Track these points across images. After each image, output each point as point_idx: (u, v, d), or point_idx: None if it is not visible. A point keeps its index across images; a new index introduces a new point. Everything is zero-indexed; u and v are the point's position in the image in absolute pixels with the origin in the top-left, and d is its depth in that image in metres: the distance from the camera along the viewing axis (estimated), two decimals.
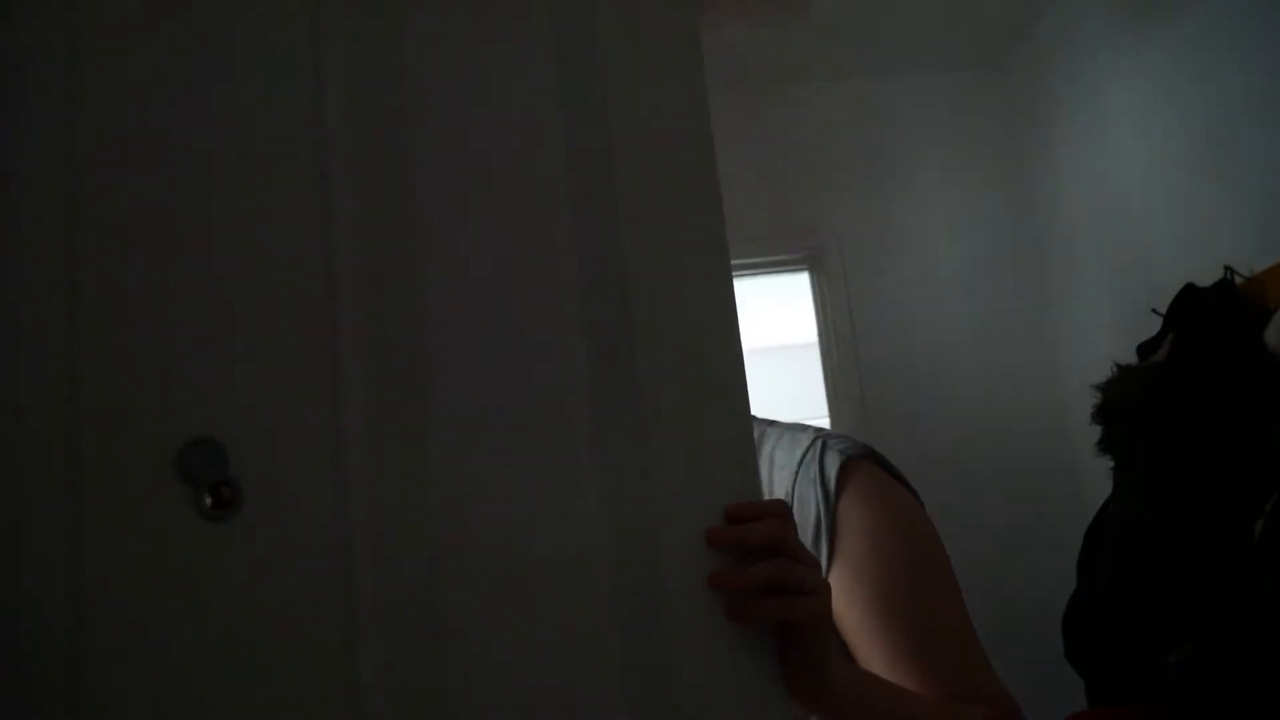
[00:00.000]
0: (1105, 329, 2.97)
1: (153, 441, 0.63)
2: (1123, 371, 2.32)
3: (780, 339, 4.97)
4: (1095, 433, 2.33)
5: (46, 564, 0.62)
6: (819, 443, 0.99)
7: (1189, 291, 2.37)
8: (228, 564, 0.62)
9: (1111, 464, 2.32)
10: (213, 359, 0.65)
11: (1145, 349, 2.46)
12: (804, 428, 1.04)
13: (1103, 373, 2.35)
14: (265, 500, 0.63)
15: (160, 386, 0.64)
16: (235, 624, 0.62)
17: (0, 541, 0.62)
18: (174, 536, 0.62)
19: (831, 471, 0.95)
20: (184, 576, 0.62)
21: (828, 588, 0.72)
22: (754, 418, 0.93)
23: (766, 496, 0.87)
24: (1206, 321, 2.23)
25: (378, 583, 0.64)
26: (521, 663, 0.64)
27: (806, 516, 0.95)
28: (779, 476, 0.99)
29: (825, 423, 3.30)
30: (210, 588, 0.62)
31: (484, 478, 0.66)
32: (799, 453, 0.99)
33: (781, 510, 0.71)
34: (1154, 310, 2.46)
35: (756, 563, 0.68)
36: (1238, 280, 2.25)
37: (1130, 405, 2.22)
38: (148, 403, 0.64)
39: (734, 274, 0.72)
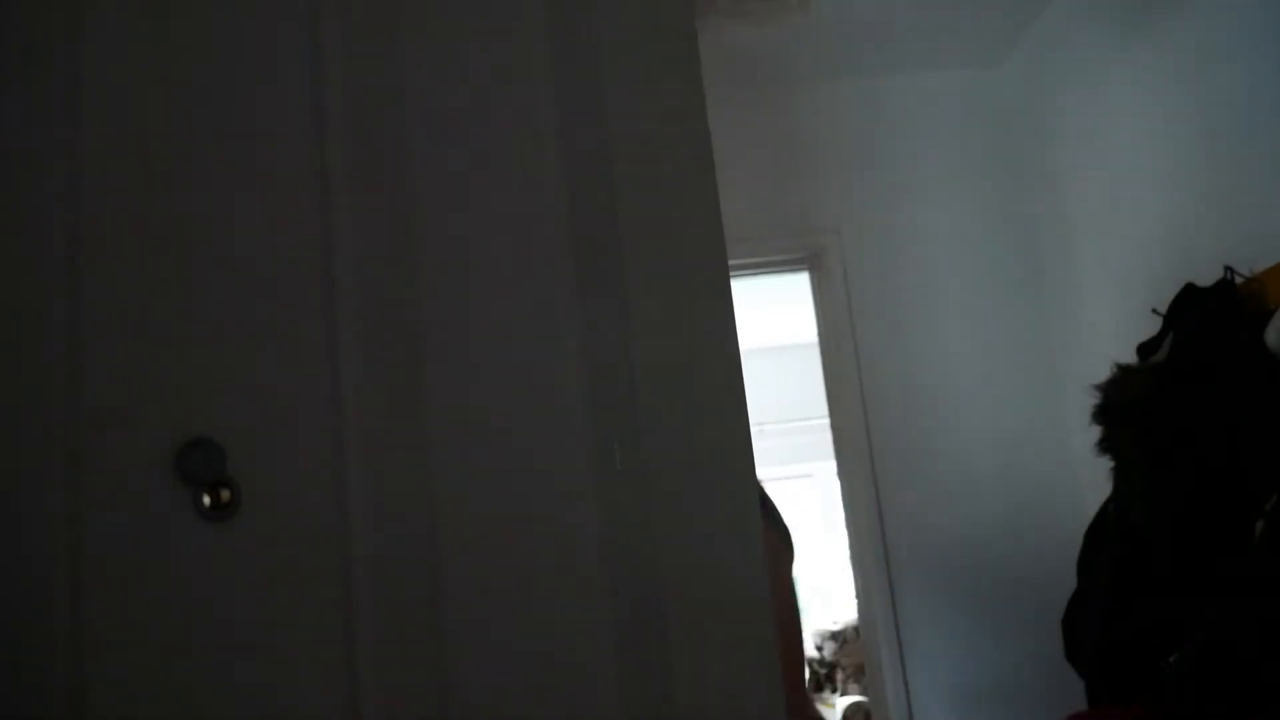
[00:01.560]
0: (1105, 329, 2.97)
1: (152, 441, 0.63)
2: (1123, 371, 2.32)
3: (780, 339, 4.97)
4: (1095, 433, 2.32)
5: (47, 564, 0.62)
6: None
7: (1189, 291, 2.36)
8: (227, 563, 0.62)
9: (1111, 464, 2.32)
10: (212, 360, 0.65)
11: (1145, 349, 2.46)
12: None
13: (1103, 373, 2.34)
14: (264, 500, 0.63)
15: (160, 387, 0.64)
16: (234, 623, 0.62)
17: (1, 541, 0.62)
18: (173, 536, 0.62)
19: None
20: (183, 576, 0.62)
21: None
22: None
23: None
24: (1206, 321, 2.22)
25: (375, 582, 0.64)
26: (518, 663, 0.64)
27: None
28: None
29: (825, 422, 3.29)
30: (209, 587, 0.62)
31: (481, 479, 0.66)
32: None
33: None
34: (1154, 310, 2.46)
35: None
36: (1238, 280, 2.25)
37: (1130, 405, 2.22)
38: (148, 403, 0.64)
39: (734, 274, 0.72)
